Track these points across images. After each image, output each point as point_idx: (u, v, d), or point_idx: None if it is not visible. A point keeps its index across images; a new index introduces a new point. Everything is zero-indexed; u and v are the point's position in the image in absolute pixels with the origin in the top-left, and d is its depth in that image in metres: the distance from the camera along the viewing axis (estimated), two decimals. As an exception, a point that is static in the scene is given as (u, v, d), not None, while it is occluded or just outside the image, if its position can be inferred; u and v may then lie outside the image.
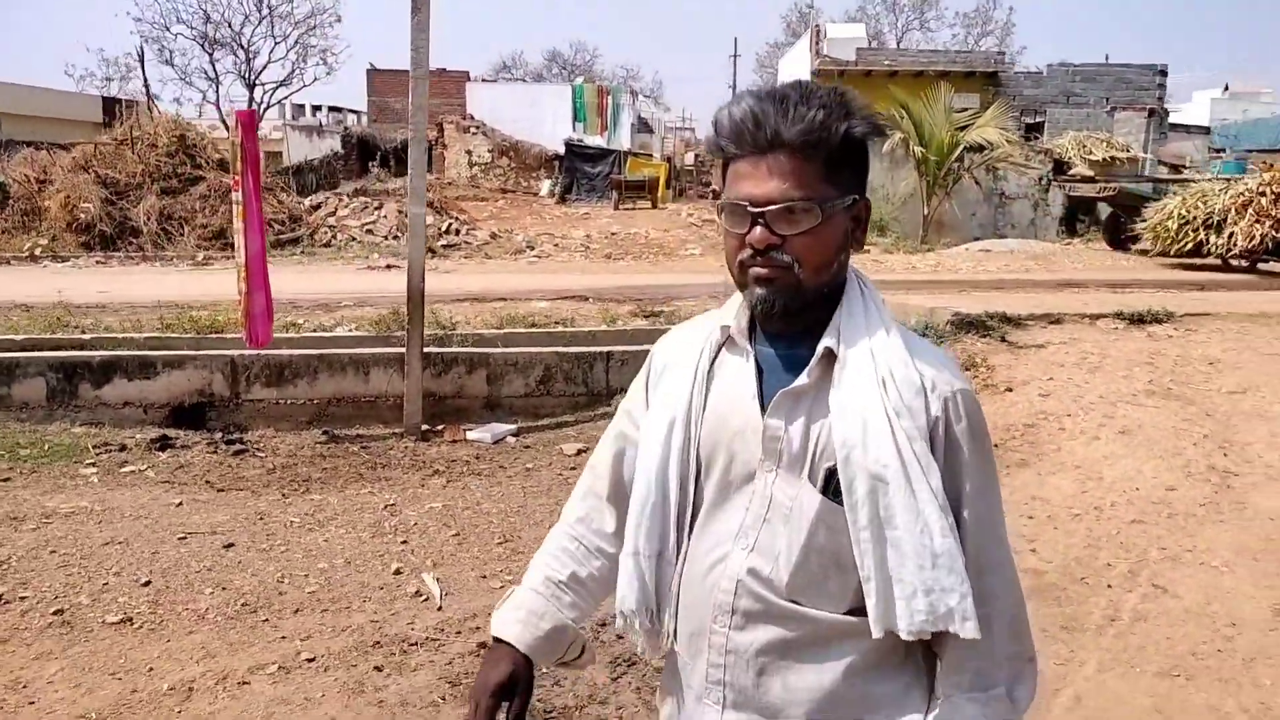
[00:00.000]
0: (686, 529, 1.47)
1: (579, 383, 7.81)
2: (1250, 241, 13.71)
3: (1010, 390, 6.77)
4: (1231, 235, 13.82)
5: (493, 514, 5.41)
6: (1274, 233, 13.64)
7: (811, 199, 1.33)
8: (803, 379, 1.38)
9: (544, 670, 2.74)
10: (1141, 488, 5.24)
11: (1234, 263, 14.36)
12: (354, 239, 20.38)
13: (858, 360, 1.36)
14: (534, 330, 9.05)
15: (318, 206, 21.94)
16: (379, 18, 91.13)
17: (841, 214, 1.37)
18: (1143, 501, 5.08)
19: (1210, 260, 14.55)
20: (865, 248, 1.50)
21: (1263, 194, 13.94)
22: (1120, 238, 17.59)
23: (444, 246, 19.18)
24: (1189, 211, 14.39)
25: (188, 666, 3.63)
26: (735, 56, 58.04)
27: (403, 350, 7.45)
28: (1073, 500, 5.15)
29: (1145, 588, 4.19)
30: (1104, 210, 19.02)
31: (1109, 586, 4.21)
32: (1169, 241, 14.50)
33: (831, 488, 1.35)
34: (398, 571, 4.52)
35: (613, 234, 19.58)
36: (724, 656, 1.42)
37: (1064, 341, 7.67)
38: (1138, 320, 8.12)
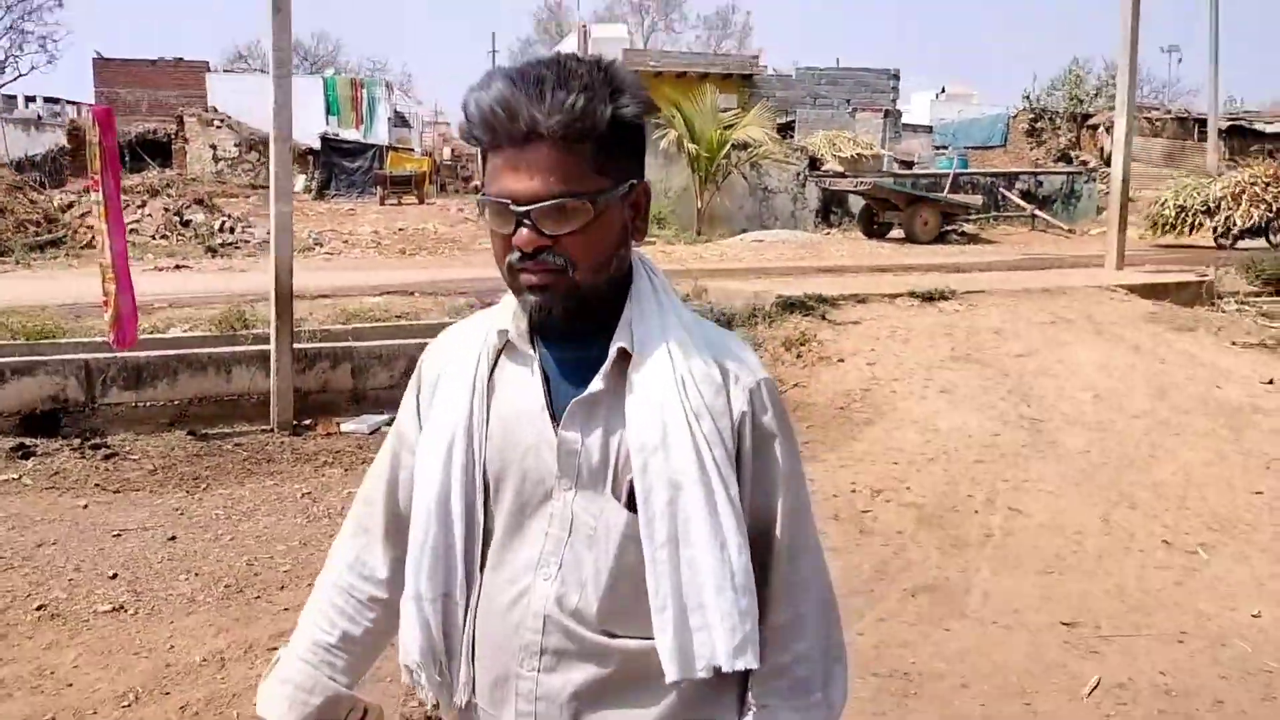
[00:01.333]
0: (478, 563, 1.32)
1: (442, 372, 8.11)
2: (1249, 221, 16.75)
3: (843, 360, 7.71)
4: (1228, 217, 16.97)
5: (415, 494, 5.72)
6: (1267, 214, 16.80)
7: (581, 193, 1.19)
8: (597, 384, 1.26)
9: None
10: (973, 435, 6.24)
11: (1221, 241, 17.22)
12: (116, 239, 19.29)
13: (654, 359, 1.25)
14: (379, 325, 9.23)
15: (69, 205, 20.55)
16: (103, 2, 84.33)
17: (617, 204, 1.24)
18: (977, 446, 6.08)
19: (1194, 240, 17.53)
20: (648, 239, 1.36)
21: (1253, 183, 17.06)
22: (874, 227, 19.46)
23: (222, 245, 18.55)
24: (1186, 200, 17.63)
25: (207, 641, 3.83)
26: (494, 53, 58.01)
27: (265, 347, 7.51)
28: (922, 448, 6.08)
29: (1004, 511, 5.13)
30: (856, 203, 20.86)
31: (976, 512, 5.13)
32: (1165, 226, 17.88)
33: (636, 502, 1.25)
34: (360, 548, 4.80)
35: (400, 230, 19.58)
36: (534, 704, 1.29)
37: (874, 318, 8.72)
38: (928, 298, 9.30)
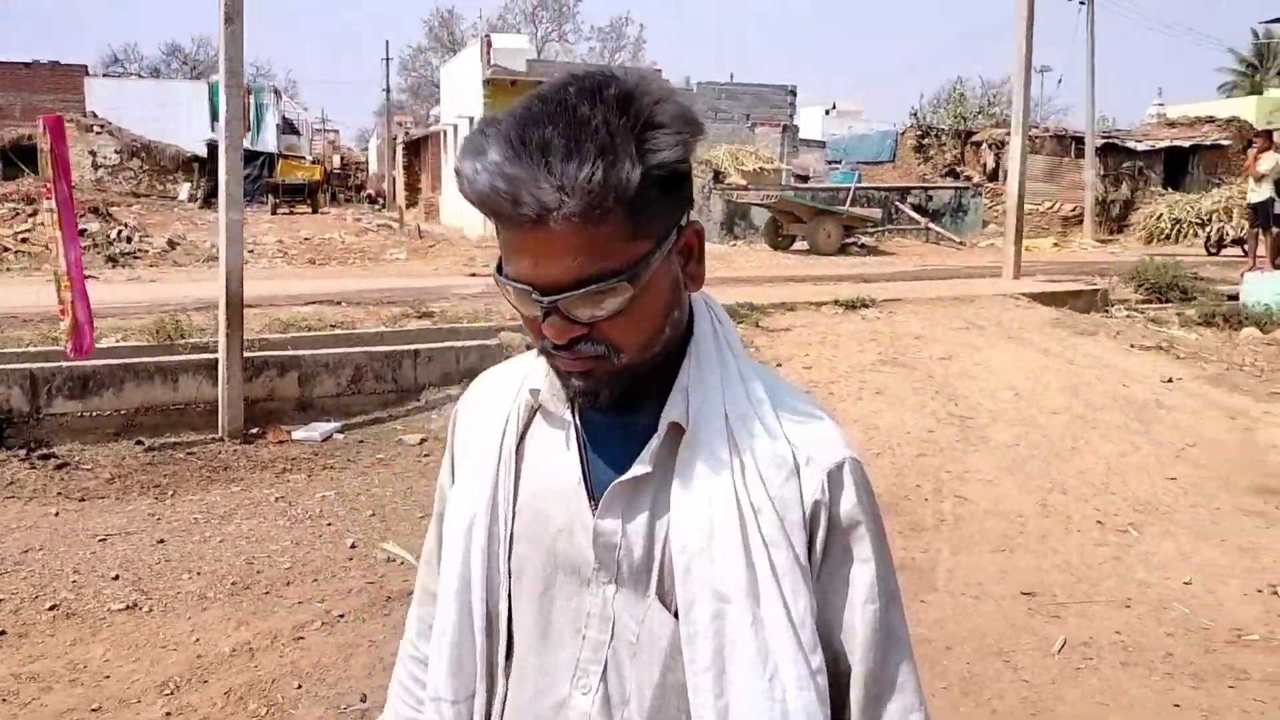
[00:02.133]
0: (500, 666, 1.13)
1: (389, 380, 8.22)
2: (1241, 231, 18.19)
3: (780, 365, 8.11)
4: (1220, 228, 19.09)
5: (389, 495, 5.87)
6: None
7: (617, 272, 0.96)
8: (642, 466, 1.05)
9: None
10: (911, 431, 6.70)
11: (1210, 250, 19.03)
12: (6, 249, 18.65)
13: (709, 437, 1.05)
14: (317, 334, 9.27)
15: (-46, 214, 19.76)
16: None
17: (663, 264, 1.01)
18: (916, 441, 6.53)
19: (1179, 248, 19.36)
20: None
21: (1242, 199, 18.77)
22: (778, 239, 20.10)
23: (122, 254, 18.11)
24: (1180, 213, 20.07)
25: (231, 634, 3.95)
26: (387, 60, 57.59)
27: (211, 356, 7.54)
28: (866, 444, 6.50)
29: (951, 499, 5.57)
30: (759, 216, 21.50)
31: (926, 500, 5.56)
32: (1161, 234, 20.47)
33: None
34: (353, 545, 4.95)
35: (306, 239, 19.36)
36: None
37: (804, 325, 9.18)
38: (851, 306, 9.82)
